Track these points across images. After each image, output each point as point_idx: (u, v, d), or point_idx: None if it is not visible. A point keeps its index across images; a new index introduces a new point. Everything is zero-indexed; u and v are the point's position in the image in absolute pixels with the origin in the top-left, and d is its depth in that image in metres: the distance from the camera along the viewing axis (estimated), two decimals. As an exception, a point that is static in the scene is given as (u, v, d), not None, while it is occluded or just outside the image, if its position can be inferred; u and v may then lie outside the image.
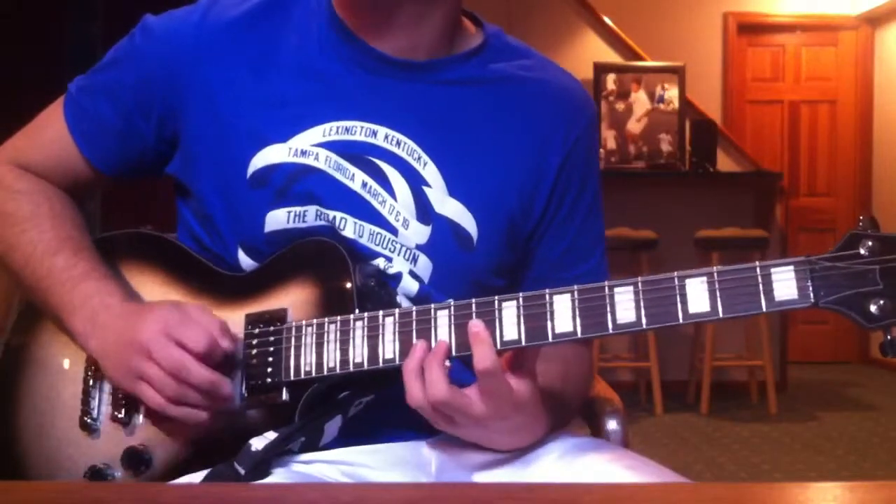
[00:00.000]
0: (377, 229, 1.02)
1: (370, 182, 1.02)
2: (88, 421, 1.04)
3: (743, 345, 5.11)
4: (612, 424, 1.18)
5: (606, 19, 5.54)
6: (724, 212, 5.13)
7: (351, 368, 0.93)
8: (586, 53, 5.53)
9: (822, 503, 0.71)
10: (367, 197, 1.02)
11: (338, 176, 1.02)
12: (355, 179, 1.02)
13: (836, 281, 0.80)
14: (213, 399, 0.95)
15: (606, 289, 0.85)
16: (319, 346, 0.95)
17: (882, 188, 6.47)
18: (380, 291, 0.99)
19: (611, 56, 5.60)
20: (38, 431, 1.07)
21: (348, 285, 0.97)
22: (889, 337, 0.79)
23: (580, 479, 0.93)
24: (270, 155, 1.02)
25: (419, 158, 1.04)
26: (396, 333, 0.91)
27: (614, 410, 1.19)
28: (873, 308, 0.79)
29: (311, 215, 1.02)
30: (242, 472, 0.91)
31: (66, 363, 1.07)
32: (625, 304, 0.84)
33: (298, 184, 1.02)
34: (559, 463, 0.96)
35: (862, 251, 0.80)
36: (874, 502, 0.71)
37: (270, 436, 0.93)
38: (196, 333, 0.94)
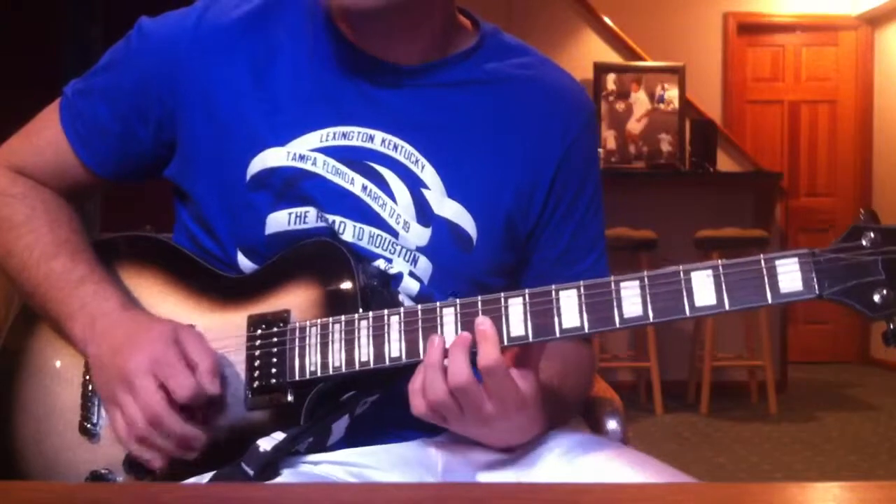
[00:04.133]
0: (378, 231, 1.02)
1: (370, 186, 1.02)
2: (88, 426, 1.03)
3: (743, 345, 5.11)
4: (611, 424, 1.18)
5: (606, 19, 5.54)
6: (724, 212, 5.14)
7: (357, 367, 0.93)
8: (586, 53, 5.53)
9: (822, 503, 0.71)
10: (368, 200, 1.02)
11: (337, 180, 1.02)
12: (355, 183, 1.02)
13: (839, 272, 0.81)
14: (181, 449, 0.94)
15: (613, 283, 0.85)
16: (324, 346, 0.94)
17: (882, 188, 6.47)
18: (383, 291, 0.99)
19: (611, 56, 5.60)
20: (36, 436, 1.06)
21: (352, 285, 0.97)
22: (891, 326, 0.81)
23: (583, 477, 0.93)
24: (269, 158, 1.02)
25: (417, 161, 1.04)
26: (402, 332, 0.91)
27: (614, 410, 1.19)
28: (876, 298, 0.80)
29: (311, 217, 1.02)
30: (251, 473, 0.91)
31: (65, 367, 1.07)
32: (631, 299, 0.85)
33: (297, 188, 1.01)
34: (562, 461, 0.96)
35: (864, 243, 0.81)
36: (874, 502, 0.71)
37: (278, 436, 0.93)
38: (185, 380, 0.93)
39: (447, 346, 0.87)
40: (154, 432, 0.93)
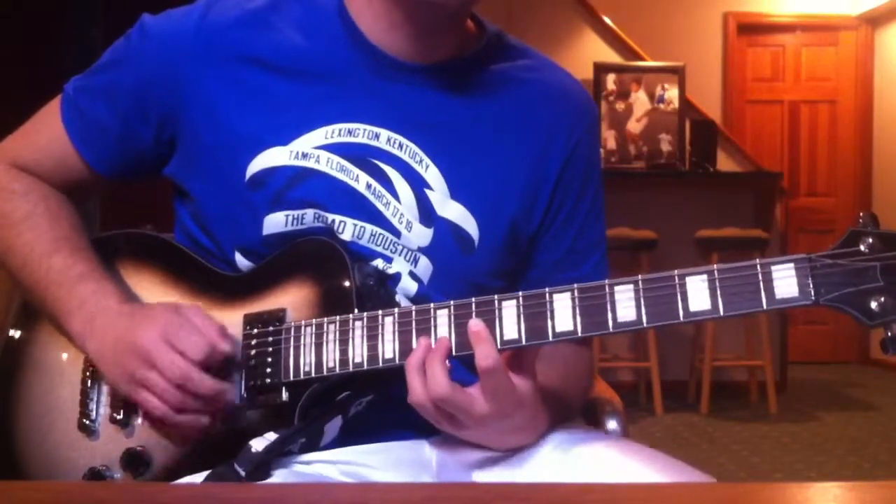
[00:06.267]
0: (379, 230, 1.02)
1: (374, 184, 1.02)
2: (87, 422, 1.04)
3: (743, 345, 5.11)
4: (612, 424, 1.18)
5: (606, 19, 5.54)
6: (724, 212, 5.14)
7: (350, 368, 0.92)
8: (586, 53, 5.53)
9: (822, 503, 0.71)
10: (371, 198, 1.02)
11: (341, 177, 1.02)
12: (359, 181, 1.02)
13: (836, 278, 0.80)
14: (216, 405, 0.95)
15: (606, 287, 0.85)
16: (319, 346, 0.94)
17: (882, 188, 6.47)
18: (379, 290, 0.99)
19: (611, 56, 5.60)
20: (35, 433, 1.06)
21: (347, 284, 0.96)
22: (889, 334, 0.79)
23: (577, 468, 0.93)
24: (270, 158, 1.02)
25: (421, 161, 1.04)
26: (396, 333, 0.91)
27: (614, 410, 1.19)
28: (874, 305, 0.79)
29: (309, 218, 1.01)
30: (243, 473, 0.91)
31: (64, 364, 1.07)
32: (625, 303, 0.84)
33: (297, 187, 1.01)
34: (556, 452, 0.96)
35: (862, 248, 0.80)
36: (874, 502, 0.71)
37: (270, 437, 0.93)
38: (196, 340, 0.94)
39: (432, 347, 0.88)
40: (187, 395, 0.94)
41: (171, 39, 1.06)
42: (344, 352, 0.93)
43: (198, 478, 0.93)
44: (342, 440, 0.99)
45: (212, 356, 0.94)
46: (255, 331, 0.98)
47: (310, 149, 1.02)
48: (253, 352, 0.98)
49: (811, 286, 0.80)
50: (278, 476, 0.94)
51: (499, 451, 0.98)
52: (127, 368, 0.97)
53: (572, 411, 1.09)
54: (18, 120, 1.15)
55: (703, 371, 4.76)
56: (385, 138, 1.03)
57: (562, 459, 0.95)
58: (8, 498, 0.71)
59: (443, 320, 0.89)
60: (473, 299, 0.89)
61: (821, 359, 6.39)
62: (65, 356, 1.07)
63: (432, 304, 0.91)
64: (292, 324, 0.97)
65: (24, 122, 1.14)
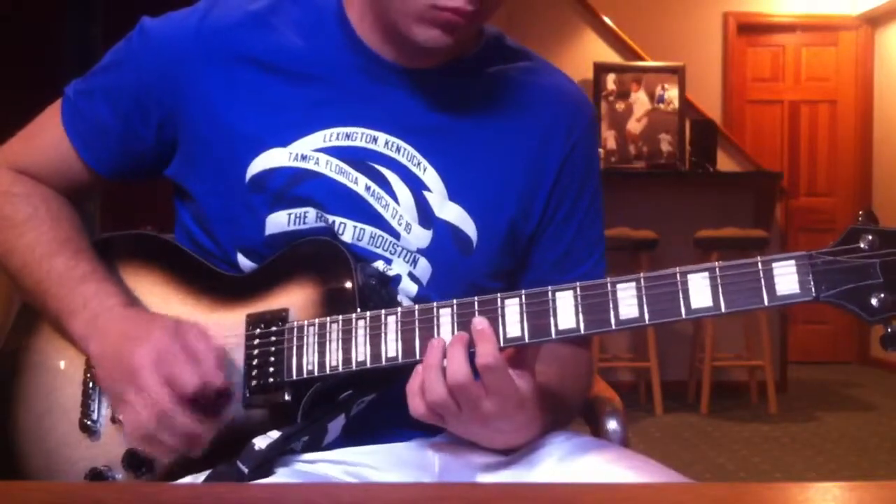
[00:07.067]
0: (379, 232, 1.02)
1: (373, 186, 1.02)
2: (88, 423, 1.04)
3: (743, 345, 5.11)
4: (612, 424, 1.18)
5: (606, 19, 5.55)
6: (724, 212, 5.14)
7: (354, 367, 0.93)
8: (586, 53, 5.54)
9: (822, 503, 0.71)
10: (371, 200, 1.02)
11: (341, 179, 1.02)
12: (359, 183, 1.02)
13: (836, 275, 0.80)
14: (187, 445, 0.94)
15: (609, 285, 0.85)
16: (322, 345, 0.94)
17: (882, 188, 6.47)
18: (381, 291, 0.99)
19: (611, 56, 5.60)
20: (36, 433, 1.06)
21: (350, 285, 0.97)
22: (889, 330, 0.80)
23: (582, 480, 0.93)
24: (270, 159, 1.02)
25: (419, 164, 1.04)
26: (399, 332, 0.91)
27: (614, 410, 1.19)
28: (874, 301, 0.79)
29: (311, 217, 1.02)
30: (246, 470, 0.91)
31: (65, 364, 1.07)
32: (627, 300, 0.84)
33: (298, 188, 1.01)
34: (561, 464, 0.96)
35: (862, 245, 0.80)
36: (874, 502, 0.71)
37: (274, 435, 0.93)
38: (188, 374, 0.92)
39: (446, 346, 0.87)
40: (160, 428, 0.92)
41: (171, 41, 1.06)
42: (347, 350, 0.93)
43: (200, 477, 0.93)
44: (345, 440, 0.99)
45: (202, 391, 0.93)
46: (258, 331, 0.98)
47: (309, 151, 1.02)
48: (255, 351, 0.98)
49: (812, 282, 0.81)
50: (280, 475, 0.94)
51: (494, 450, 0.98)
52: (116, 380, 0.96)
53: (569, 412, 1.09)
54: (18, 120, 1.15)
55: (703, 371, 4.77)
56: (383, 142, 1.04)
57: (566, 469, 0.95)
58: (8, 498, 0.71)
59: (446, 319, 0.90)
60: (476, 298, 0.89)
61: (821, 359, 6.39)
62: (65, 356, 1.07)
63: (435, 304, 0.91)
64: (295, 323, 0.97)
65: (25, 122, 1.15)
